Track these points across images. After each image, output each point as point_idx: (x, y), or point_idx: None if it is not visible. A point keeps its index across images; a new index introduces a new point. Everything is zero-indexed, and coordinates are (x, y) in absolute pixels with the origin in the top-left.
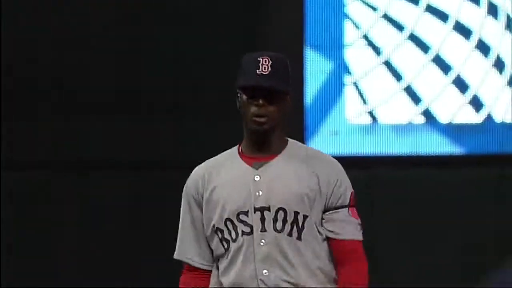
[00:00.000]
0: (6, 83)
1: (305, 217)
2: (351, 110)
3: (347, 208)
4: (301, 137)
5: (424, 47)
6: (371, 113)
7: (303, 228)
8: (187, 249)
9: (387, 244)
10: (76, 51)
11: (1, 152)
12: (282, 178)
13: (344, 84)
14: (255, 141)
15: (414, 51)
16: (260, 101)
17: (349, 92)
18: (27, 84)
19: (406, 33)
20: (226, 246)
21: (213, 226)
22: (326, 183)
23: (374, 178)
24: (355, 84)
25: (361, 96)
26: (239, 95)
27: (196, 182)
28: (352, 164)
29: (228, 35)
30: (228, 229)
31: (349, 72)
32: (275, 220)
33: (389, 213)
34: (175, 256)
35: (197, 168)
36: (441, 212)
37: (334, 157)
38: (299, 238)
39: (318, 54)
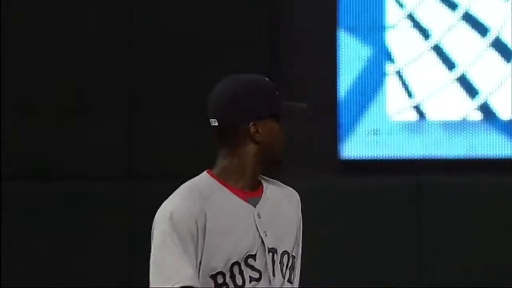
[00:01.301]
0: None
1: (294, 260)
2: (394, 104)
3: None
4: (334, 137)
5: (481, 29)
6: (417, 108)
7: (295, 273)
8: (183, 270)
9: (436, 262)
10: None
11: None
12: (278, 217)
13: (385, 74)
14: (259, 174)
15: (469, 34)
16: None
17: (391, 83)
18: None
19: (460, 12)
20: None
21: (213, 269)
22: (298, 217)
23: (421, 185)
24: (398, 73)
25: (406, 88)
26: (254, 123)
27: (194, 216)
28: (395, 168)
29: (251, 17)
30: (232, 273)
31: (391, 59)
32: (281, 264)
33: (439, 225)
34: (171, 284)
35: (182, 200)
36: (501, 224)
37: (374, 160)
38: (294, 285)
39: (354, 38)
